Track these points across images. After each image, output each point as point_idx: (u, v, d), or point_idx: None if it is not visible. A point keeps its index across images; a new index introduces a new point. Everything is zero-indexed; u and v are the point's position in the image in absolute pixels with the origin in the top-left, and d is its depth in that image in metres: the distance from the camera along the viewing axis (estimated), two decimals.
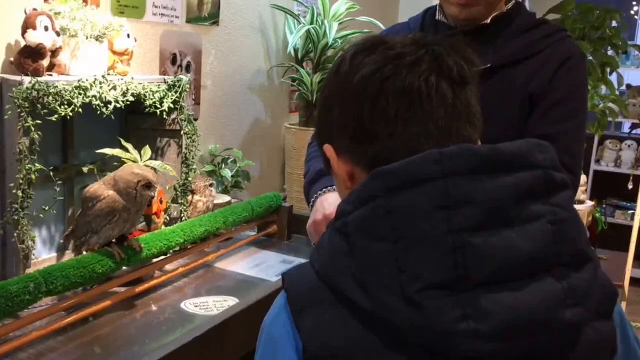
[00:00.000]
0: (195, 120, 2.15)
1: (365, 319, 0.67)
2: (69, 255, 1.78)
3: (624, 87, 4.36)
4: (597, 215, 2.68)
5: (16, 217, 1.48)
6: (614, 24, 3.24)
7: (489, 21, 1.36)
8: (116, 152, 1.74)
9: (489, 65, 1.33)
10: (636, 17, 6.54)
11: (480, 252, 0.65)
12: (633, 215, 3.06)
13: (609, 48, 3.24)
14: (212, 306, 1.54)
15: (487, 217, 0.67)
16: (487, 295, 0.65)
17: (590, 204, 2.50)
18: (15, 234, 1.48)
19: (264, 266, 1.85)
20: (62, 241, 1.75)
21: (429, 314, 0.64)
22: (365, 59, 0.78)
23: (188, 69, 2.40)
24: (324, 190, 1.68)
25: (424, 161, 0.69)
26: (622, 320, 0.78)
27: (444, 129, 0.76)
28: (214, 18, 2.55)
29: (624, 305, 2.72)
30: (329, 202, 1.62)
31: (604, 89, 3.12)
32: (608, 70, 3.10)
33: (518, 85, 1.33)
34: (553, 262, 0.68)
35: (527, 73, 1.33)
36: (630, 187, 3.13)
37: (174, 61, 2.33)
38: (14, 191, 1.47)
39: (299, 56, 2.91)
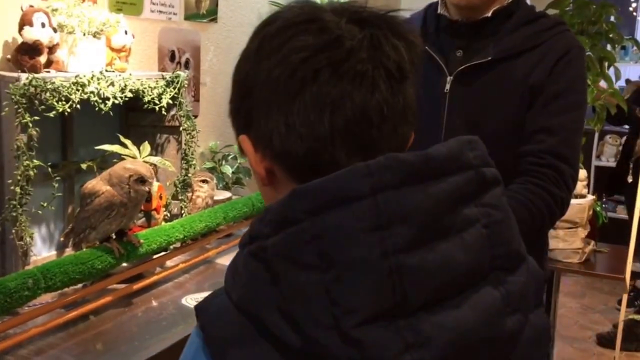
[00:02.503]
0: (195, 117, 2.15)
1: (294, 357, 0.59)
2: (68, 253, 1.78)
3: (622, 83, 4.36)
4: (598, 209, 2.68)
5: (14, 214, 1.47)
6: (611, 18, 3.25)
7: (490, 14, 1.36)
8: (115, 148, 1.73)
9: (490, 58, 1.33)
10: (635, 13, 6.54)
11: (417, 273, 0.59)
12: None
13: (606, 43, 3.25)
14: None
15: (421, 232, 0.60)
16: (427, 319, 0.59)
17: (590, 197, 2.50)
18: (14, 231, 1.48)
19: None
20: (62, 239, 1.74)
21: (368, 350, 0.57)
22: (295, 40, 0.66)
23: (187, 65, 2.40)
24: None
25: (350, 176, 0.60)
26: None
27: (378, 128, 0.67)
28: (212, 15, 2.55)
29: (624, 298, 2.70)
30: None
31: (604, 84, 3.13)
32: (605, 64, 3.11)
33: (518, 77, 1.33)
34: (488, 267, 0.63)
35: (527, 65, 1.33)
36: (630, 179, 3.13)
37: (172, 58, 2.33)
38: (12, 187, 1.47)
39: None
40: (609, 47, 3.33)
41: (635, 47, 5.93)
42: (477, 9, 1.35)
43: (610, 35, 3.25)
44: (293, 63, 0.66)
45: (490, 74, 1.34)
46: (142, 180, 1.47)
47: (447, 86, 1.37)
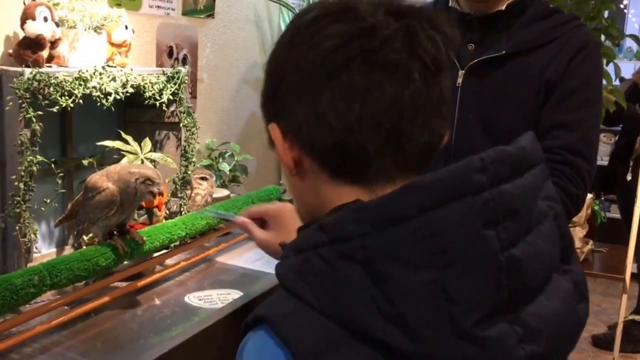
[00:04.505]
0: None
1: None
2: (68, 250, 1.76)
3: (616, 82, 4.38)
4: (596, 208, 2.69)
5: (18, 210, 1.45)
6: (606, 14, 3.24)
7: (503, 8, 1.35)
8: (116, 144, 1.72)
9: (504, 52, 1.33)
10: (625, 10, 6.59)
11: (522, 266, 0.59)
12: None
13: (604, 38, 3.24)
14: (216, 299, 1.53)
15: (522, 224, 0.60)
16: (528, 311, 0.59)
17: (589, 196, 2.52)
18: (17, 227, 1.46)
19: (265, 259, 1.82)
20: (55, 225, 1.72)
21: (488, 346, 0.56)
22: (329, 28, 0.65)
23: (184, 61, 2.38)
24: None
25: (466, 170, 0.58)
26: None
27: (410, 121, 0.65)
28: (209, 10, 2.53)
29: (624, 298, 2.69)
30: None
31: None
32: (604, 61, 3.10)
33: (533, 72, 1.33)
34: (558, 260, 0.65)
35: (543, 60, 1.33)
36: (629, 178, 3.14)
37: (170, 54, 2.31)
38: (16, 184, 1.45)
39: None
40: (607, 43, 3.30)
41: (629, 45, 5.93)
42: (490, 2, 1.35)
43: (610, 31, 3.22)
44: (324, 51, 0.64)
45: (503, 68, 1.34)
46: (148, 182, 1.45)
47: (459, 80, 1.36)
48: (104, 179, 1.47)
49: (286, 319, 0.59)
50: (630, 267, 2.48)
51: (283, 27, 2.92)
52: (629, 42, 6.14)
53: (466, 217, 0.57)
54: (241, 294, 1.55)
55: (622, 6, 6.21)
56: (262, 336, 0.60)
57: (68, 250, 1.75)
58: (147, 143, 1.77)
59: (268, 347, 0.59)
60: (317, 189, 0.67)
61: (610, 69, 3.12)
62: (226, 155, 2.50)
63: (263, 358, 0.60)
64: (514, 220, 0.59)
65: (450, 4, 1.42)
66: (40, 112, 1.48)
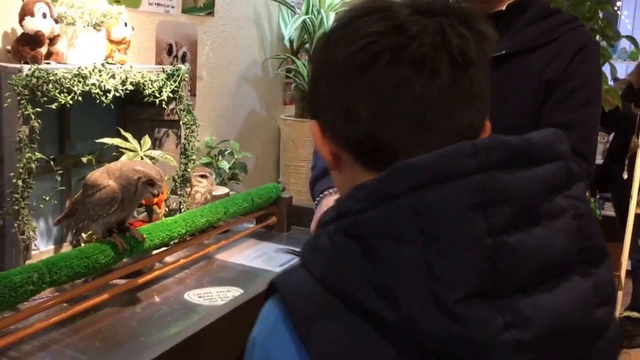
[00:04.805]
0: None
1: (387, 332, 0.59)
2: (67, 247, 1.76)
3: (610, 82, 4.39)
4: (592, 206, 2.69)
5: (16, 207, 1.45)
6: (601, 15, 3.26)
7: (503, 8, 1.35)
8: (116, 141, 1.71)
9: (504, 52, 1.33)
10: (619, 12, 6.61)
11: (517, 254, 0.59)
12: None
13: (600, 39, 3.25)
14: (216, 296, 1.52)
15: (520, 214, 0.61)
16: (524, 300, 0.59)
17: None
18: (16, 225, 1.45)
19: (265, 257, 1.83)
20: (55, 223, 1.71)
21: (469, 325, 0.57)
22: (361, 28, 0.69)
23: (184, 59, 2.38)
24: (330, 190, 1.67)
25: (457, 154, 0.61)
26: None
27: (438, 114, 0.67)
28: (208, 8, 2.53)
29: (620, 295, 2.71)
30: None
31: None
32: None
33: (533, 72, 1.33)
34: (576, 259, 0.64)
35: (543, 60, 1.33)
36: (625, 176, 3.15)
37: (169, 51, 2.31)
38: (14, 180, 1.44)
39: (294, 47, 2.89)
40: (603, 43, 3.32)
41: (623, 46, 5.97)
42: (491, 3, 1.35)
43: (606, 32, 3.24)
44: (355, 48, 0.68)
45: (503, 68, 1.34)
46: (151, 183, 1.45)
47: None
48: (104, 176, 1.46)
49: (290, 285, 0.65)
50: (625, 264, 2.49)
51: (282, 25, 2.91)
52: (623, 44, 6.19)
53: (453, 198, 0.59)
54: (241, 291, 1.54)
55: (615, 8, 6.25)
56: (272, 302, 0.66)
57: (66, 248, 1.74)
58: (147, 140, 1.77)
59: (274, 309, 0.65)
60: (354, 180, 0.69)
61: (605, 69, 3.15)
62: (225, 153, 2.49)
63: (268, 319, 0.65)
64: (508, 207, 0.60)
65: (450, 1, 1.42)
66: (38, 109, 1.48)
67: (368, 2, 0.72)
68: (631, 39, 3.41)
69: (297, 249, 1.68)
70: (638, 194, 2.76)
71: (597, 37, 3.18)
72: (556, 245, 0.62)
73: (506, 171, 0.62)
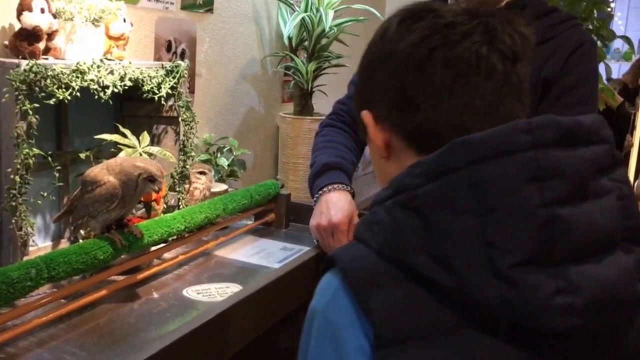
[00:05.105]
0: None
1: (443, 297, 0.63)
2: (64, 243, 1.75)
3: (605, 81, 4.42)
4: None
5: (14, 203, 1.44)
6: (596, 14, 3.28)
7: (502, 6, 1.36)
8: (114, 137, 1.71)
9: None
10: (612, 13, 6.66)
11: (568, 225, 0.63)
12: None
13: (596, 39, 3.27)
14: (215, 293, 1.51)
15: (571, 190, 0.65)
16: (573, 269, 0.63)
17: None
18: (13, 221, 1.44)
19: (263, 253, 1.82)
20: (53, 222, 1.70)
21: (523, 289, 0.61)
22: (414, 25, 0.76)
23: (182, 56, 2.37)
24: (329, 187, 1.67)
25: (513, 131, 0.66)
26: None
27: (490, 105, 0.74)
28: (208, 5, 2.52)
29: None
30: (335, 204, 1.60)
31: None
32: None
33: (531, 70, 1.33)
34: (620, 237, 0.67)
35: (540, 58, 1.34)
36: None
37: (168, 48, 2.30)
38: (12, 176, 1.44)
39: (293, 44, 2.89)
40: (599, 43, 3.35)
41: (617, 47, 5.99)
42: (490, 1, 1.35)
43: (601, 32, 3.27)
44: (410, 43, 0.75)
45: None
46: (151, 179, 1.44)
47: None
48: (104, 172, 1.45)
49: (348, 257, 0.70)
50: None
51: (282, 23, 2.91)
52: (617, 44, 6.24)
53: (509, 171, 0.64)
54: (240, 287, 1.54)
55: (609, 9, 6.30)
56: (330, 274, 0.71)
57: (64, 244, 1.74)
58: (146, 137, 1.76)
59: (333, 280, 0.70)
60: (403, 167, 0.74)
61: (600, 68, 3.18)
62: (224, 150, 2.49)
63: (328, 289, 0.70)
64: (560, 181, 0.64)
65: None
66: (36, 105, 1.47)
67: (416, 5, 0.79)
68: (625, 38, 3.45)
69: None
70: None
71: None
72: (602, 221, 0.66)
73: (558, 148, 0.66)
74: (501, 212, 0.62)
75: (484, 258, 0.62)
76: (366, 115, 0.81)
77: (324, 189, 1.67)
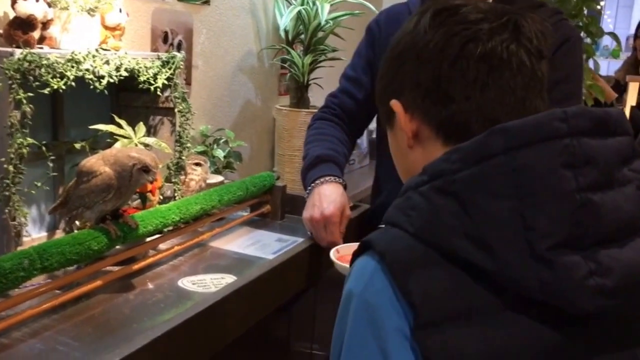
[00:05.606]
0: None
1: (482, 279, 0.66)
2: (59, 234, 1.74)
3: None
4: None
5: (7, 193, 1.43)
6: (585, 12, 3.30)
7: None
8: (110, 128, 1.70)
9: None
10: (602, 10, 6.70)
11: (598, 210, 0.66)
12: None
13: (585, 36, 3.29)
14: (210, 283, 1.51)
15: (601, 177, 0.67)
16: (602, 252, 0.65)
17: None
18: (7, 211, 1.44)
19: (259, 245, 1.82)
20: (49, 213, 1.70)
21: (558, 270, 0.63)
22: (446, 19, 0.79)
23: (179, 47, 2.36)
24: (321, 179, 1.67)
25: (549, 119, 0.68)
26: None
27: (519, 99, 0.77)
28: None
29: None
30: (327, 197, 1.60)
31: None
32: (584, 57, 3.15)
33: None
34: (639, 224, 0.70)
35: None
36: None
37: (165, 39, 2.29)
38: (5, 166, 1.43)
39: (290, 37, 2.88)
40: (587, 40, 3.37)
41: (606, 44, 6.02)
42: None
43: (590, 29, 3.29)
44: (441, 36, 0.78)
45: None
46: (146, 170, 1.43)
47: None
48: (99, 163, 1.44)
49: (385, 240, 0.71)
50: None
51: (278, 16, 2.90)
52: (606, 41, 6.28)
53: (546, 157, 0.66)
54: (235, 278, 1.53)
55: (598, 7, 6.33)
56: (366, 257, 0.72)
57: (59, 235, 1.73)
58: (142, 127, 1.75)
59: (369, 262, 0.71)
60: (429, 155, 0.77)
61: (589, 65, 3.20)
62: (220, 141, 2.48)
63: (364, 272, 0.71)
64: (592, 169, 0.67)
65: None
66: (30, 94, 1.46)
67: (445, 2, 0.82)
68: (613, 35, 3.47)
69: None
70: None
71: (582, 34, 3.22)
72: (626, 208, 0.68)
73: (591, 137, 0.68)
74: (540, 197, 0.65)
75: (522, 240, 0.64)
76: (396, 105, 0.83)
77: (317, 182, 1.67)
